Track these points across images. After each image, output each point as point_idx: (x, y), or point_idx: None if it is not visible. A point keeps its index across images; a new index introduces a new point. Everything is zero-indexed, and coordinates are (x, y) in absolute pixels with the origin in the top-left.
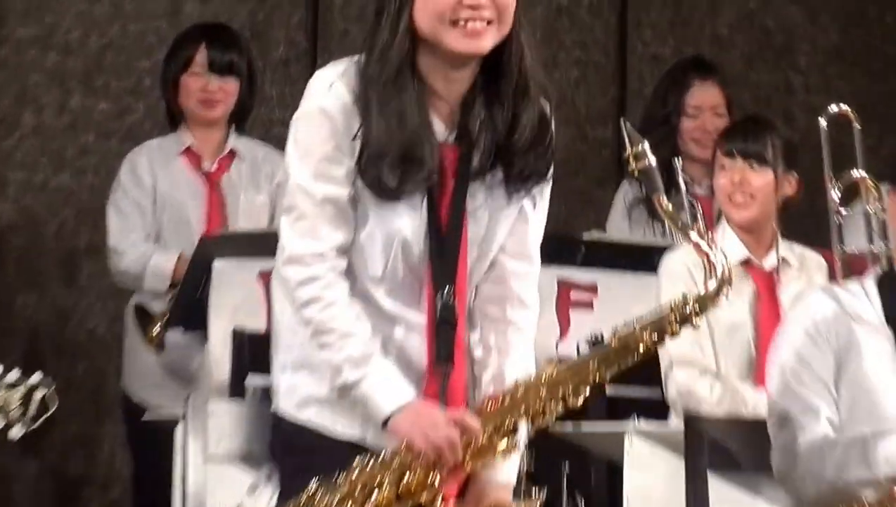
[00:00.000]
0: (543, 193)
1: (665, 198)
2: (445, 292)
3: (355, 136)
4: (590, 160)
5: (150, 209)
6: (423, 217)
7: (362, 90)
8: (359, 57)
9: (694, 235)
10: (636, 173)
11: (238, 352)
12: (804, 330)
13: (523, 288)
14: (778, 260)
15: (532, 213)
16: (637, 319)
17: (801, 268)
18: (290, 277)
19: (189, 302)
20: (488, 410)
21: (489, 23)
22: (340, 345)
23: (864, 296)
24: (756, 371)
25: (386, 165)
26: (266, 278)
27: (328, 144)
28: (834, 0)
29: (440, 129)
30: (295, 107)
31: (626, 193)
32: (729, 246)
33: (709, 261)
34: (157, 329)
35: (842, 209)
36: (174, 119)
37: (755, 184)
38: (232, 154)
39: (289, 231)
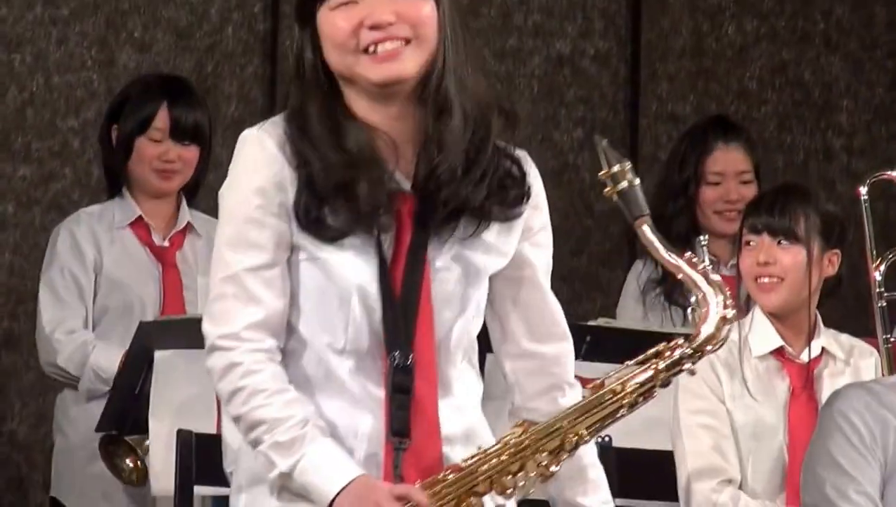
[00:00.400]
0: (545, 261)
1: (651, 223)
2: (398, 355)
3: (285, 185)
4: (596, 236)
5: (90, 289)
6: (378, 267)
7: (293, 136)
8: (285, 113)
9: (681, 262)
10: (615, 197)
11: (184, 458)
12: (844, 437)
13: (567, 370)
14: (809, 352)
15: (545, 281)
16: (619, 367)
17: (849, 362)
18: (210, 368)
19: (125, 400)
20: (446, 481)
21: (407, 42)
22: (269, 435)
23: None
24: (788, 484)
25: (320, 202)
26: None
27: (252, 203)
28: (880, 50)
29: (397, 175)
30: None
31: (639, 274)
32: (759, 335)
33: (696, 285)
34: (129, 462)
35: (886, 292)
36: (114, 184)
37: (784, 264)
38: (186, 229)
39: (204, 317)
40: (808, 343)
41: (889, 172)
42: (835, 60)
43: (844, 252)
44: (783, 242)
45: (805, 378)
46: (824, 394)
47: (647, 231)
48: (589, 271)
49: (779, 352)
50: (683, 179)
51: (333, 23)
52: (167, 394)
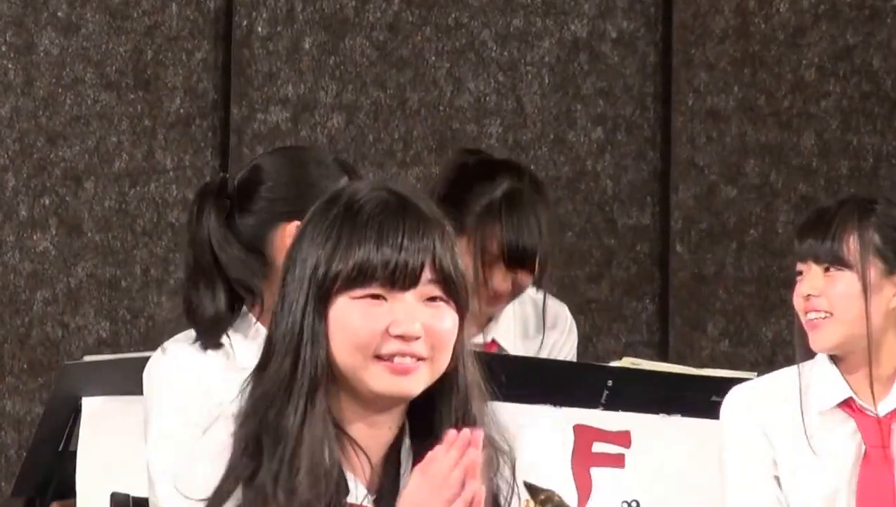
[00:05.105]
0: None
1: None
2: None
3: None
4: (620, 257)
5: None
6: None
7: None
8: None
9: None
10: None
11: None
12: None
13: None
14: (874, 400)
15: None
16: None
17: None
18: None
19: (47, 458)
20: None
21: (420, 359)
22: None
23: None
24: None
25: None
26: None
27: None
28: None
29: (356, 487)
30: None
31: None
32: (824, 384)
33: None
34: None
35: None
36: None
37: (831, 295)
38: None
39: None
40: (871, 390)
41: None
42: None
43: None
44: (831, 269)
45: (880, 435)
46: None
47: None
48: (611, 301)
49: (847, 404)
50: None
51: (356, 318)
52: (98, 449)
